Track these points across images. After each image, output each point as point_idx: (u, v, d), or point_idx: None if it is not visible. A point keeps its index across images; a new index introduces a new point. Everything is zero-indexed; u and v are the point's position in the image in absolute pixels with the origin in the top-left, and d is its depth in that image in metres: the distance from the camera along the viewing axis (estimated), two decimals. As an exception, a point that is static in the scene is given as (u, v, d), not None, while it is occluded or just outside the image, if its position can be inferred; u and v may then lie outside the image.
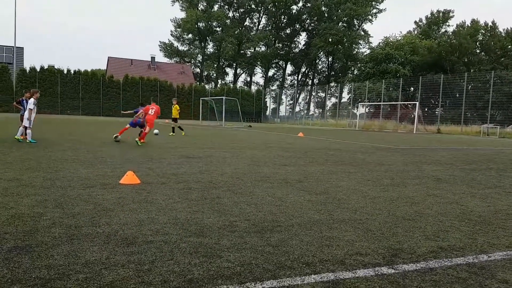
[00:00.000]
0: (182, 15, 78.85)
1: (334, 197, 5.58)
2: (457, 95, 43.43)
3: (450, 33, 68.63)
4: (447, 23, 72.79)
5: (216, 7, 79.08)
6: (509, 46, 65.47)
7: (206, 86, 73.30)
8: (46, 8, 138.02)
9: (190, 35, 78.98)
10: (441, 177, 7.87)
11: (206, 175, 7.03)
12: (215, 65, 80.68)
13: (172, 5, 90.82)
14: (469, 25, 66.42)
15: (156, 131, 18.16)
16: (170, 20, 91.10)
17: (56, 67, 54.15)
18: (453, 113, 42.72)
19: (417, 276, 2.85)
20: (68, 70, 53.95)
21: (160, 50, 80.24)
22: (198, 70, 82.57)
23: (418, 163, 10.43)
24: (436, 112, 44.61)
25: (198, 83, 73.29)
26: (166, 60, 78.38)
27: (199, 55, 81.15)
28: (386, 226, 4.16)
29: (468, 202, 5.56)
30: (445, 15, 72.76)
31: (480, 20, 66.49)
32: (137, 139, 12.74)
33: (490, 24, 65.98)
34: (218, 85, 77.24)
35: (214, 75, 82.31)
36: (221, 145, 13.73)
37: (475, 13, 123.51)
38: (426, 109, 47.89)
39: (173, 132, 19.71)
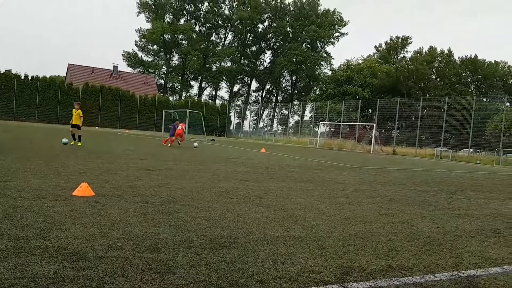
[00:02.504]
0: (148, 26, 78.20)
1: (292, 214, 5.65)
2: (413, 118, 45.39)
3: (408, 59, 72.03)
4: (405, 49, 76.44)
5: (182, 21, 79.06)
6: (463, 74, 69.46)
7: (170, 98, 72.60)
8: (4, 12, 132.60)
9: (155, 46, 78.32)
10: (394, 197, 8.17)
11: (164, 188, 6.93)
12: (180, 77, 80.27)
13: (138, 16, 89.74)
14: (426, 51, 70.03)
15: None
16: (135, 30, 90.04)
17: (13, 72, 52.02)
18: (408, 136, 44.53)
19: (365, 294, 2.94)
20: (26, 76, 51.94)
21: (124, 59, 78.97)
22: (162, 81, 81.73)
23: (373, 182, 10.77)
24: (392, 134, 46.34)
25: (161, 94, 72.48)
26: (129, 69, 77.14)
27: (163, 67, 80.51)
28: (340, 244, 4.27)
29: (418, 223, 5.79)
30: (404, 41, 76.38)
31: (437, 48, 70.30)
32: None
33: (446, 51, 69.84)
34: (183, 98, 76.74)
35: (179, 87, 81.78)
36: (183, 158, 13.60)
37: (432, 41, 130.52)
38: (383, 131, 49.70)
39: (77, 140, 15.92)
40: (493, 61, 71.39)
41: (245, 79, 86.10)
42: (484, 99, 56.44)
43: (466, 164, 29.04)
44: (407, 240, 4.69)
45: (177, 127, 21.56)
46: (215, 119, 64.75)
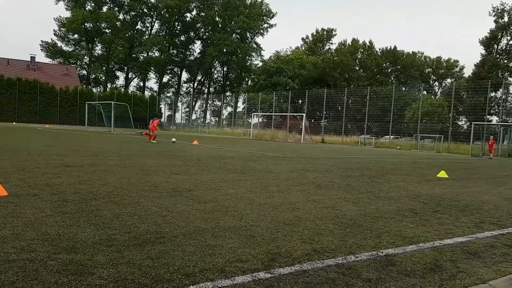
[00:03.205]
0: (68, 14, 73.31)
1: (223, 205, 5.62)
2: (339, 108, 47.46)
3: (333, 51, 75.04)
4: (331, 41, 79.45)
5: (105, 9, 75.14)
6: (384, 64, 73.84)
7: (94, 90, 68.95)
8: None
9: (76, 35, 73.72)
10: (321, 184, 8.46)
11: (86, 185, 6.54)
12: (104, 68, 76.42)
13: (56, 4, 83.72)
14: (350, 44, 73.39)
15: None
16: (54, 19, 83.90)
17: None
18: (335, 125, 46.50)
19: (291, 279, 2.99)
20: None
21: (42, 49, 73.42)
22: (84, 72, 77.31)
23: (303, 170, 11.08)
24: (321, 124, 48.11)
25: (84, 86, 68.56)
26: (48, 60, 71.91)
27: (85, 57, 76.10)
28: (268, 231, 4.31)
29: (342, 207, 6.04)
30: (329, 34, 79.33)
31: (360, 40, 73.95)
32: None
33: (367, 43, 73.69)
34: (108, 89, 73.21)
35: (103, 78, 77.87)
36: (107, 153, 12.96)
37: (355, 33, 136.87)
38: (312, 120, 51.43)
39: None
40: (410, 52, 76.81)
41: (175, 69, 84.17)
42: (403, 88, 60.59)
43: (388, 150, 31.01)
44: (331, 224, 4.86)
45: (154, 122, 22.90)
46: (144, 111, 62.62)
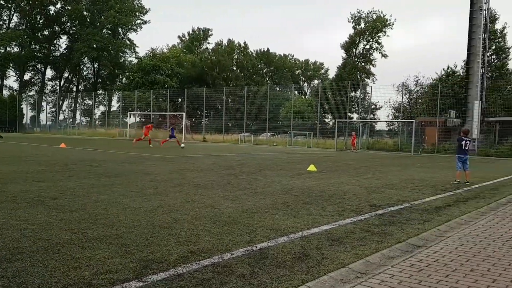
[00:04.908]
0: None
1: (92, 213, 5.22)
2: (219, 107, 48.16)
3: (210, 50, 75.84)
4: (207, 41, 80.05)
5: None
6: (259, 65, 77.13)
7: None
8: None
9: None
10: (201, 183, 8.46)
11: None
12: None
13: None
14: (226, 44, 74.97)
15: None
16: None
17: None
18: (216, 123, 47.05)
19: (164, 285, 2.90)
20: None
21: None
22: None
23: (182, 170, 10.95)
24: (202, 122, 48.23)
25: None
26: None
27: None
28: (142, 237, 4.14)
29: (221, 205, 6.12)
30: (205, 33, 79.83)
31: (235, 40, 76.00)
32: None
33: (242, 44, 76.14)
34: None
35: None
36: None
37: (231, 34, 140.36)
38: (193, 119, 51.26)
39: None
40: (282, 55, 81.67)
41: (38, 66, 75.87)
42: (277, 89, 64.11)
43: (265, 147, 32.51)
44: (209, 223, 4.88)
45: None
46: (3, 112, 55.39)
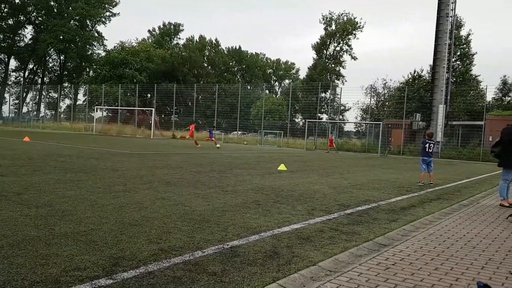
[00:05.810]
0: None
1: (58, 209, 5.08)
2: (190, 104, 47.71)
3: (181, 46, 74.89)
4: (178, 36, 78.97)
5: None
6: (230, 63, 76.88)
7: None
8: None
9: None
10: (171, 181, 8.37)
11: None
12: None
13: None
14: (197, 40, 74.24)
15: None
16: None
17: None
18: (186, 120, 46.53)
19: (135, 283, 2.87)
20: None
21: None
22: None
23: (152, 167, 10.80)
24: (172, 119, 47.65)
25: None
26: None
27: None
28: (112, 234, 4.06)
29: (192, 203, 6.08)
30: (176, 28, 78.73)
31: (207, 37, 75.39)
32: None
33: (214, 41, 75.63)
34: None
35: None
36: None
37: (202, 30, 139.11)
38: (162, 116, 50.53)
39: None
40: (254, 53, 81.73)
41: (1, 56, 72.69)
42: (248, 87, 64.18)
43: (236, 145, 32.50)
44: (180, 221, 4.84)
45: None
46: (-40, 103, 52.77)
